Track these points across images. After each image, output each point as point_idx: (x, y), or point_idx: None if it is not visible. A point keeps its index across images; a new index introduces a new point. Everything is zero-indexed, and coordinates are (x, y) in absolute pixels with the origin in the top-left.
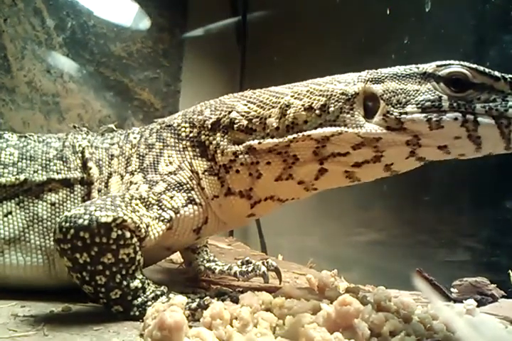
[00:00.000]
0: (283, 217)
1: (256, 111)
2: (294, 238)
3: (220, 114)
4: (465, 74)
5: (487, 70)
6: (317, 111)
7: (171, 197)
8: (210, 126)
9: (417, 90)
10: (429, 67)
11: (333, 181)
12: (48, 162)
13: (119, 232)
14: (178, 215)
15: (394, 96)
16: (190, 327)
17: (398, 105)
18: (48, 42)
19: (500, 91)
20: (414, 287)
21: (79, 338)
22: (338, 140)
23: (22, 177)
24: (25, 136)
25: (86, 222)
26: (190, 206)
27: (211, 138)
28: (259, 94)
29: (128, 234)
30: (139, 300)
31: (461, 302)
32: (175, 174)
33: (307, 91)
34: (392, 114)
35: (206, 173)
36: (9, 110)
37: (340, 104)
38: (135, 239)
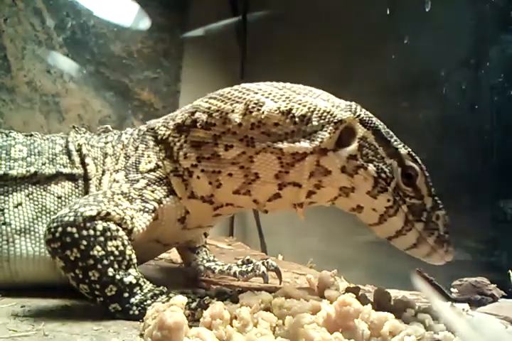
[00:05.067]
0: (283, 217)
1: (216, 105)
2: (294, 238)
3: (184, 116)
4: (417, 176)
5: (430, 184)
6: (296, 119)
7: (153, 191)
8: (176, 128)
9: (383, 158)
10: (404, 148)
11: (282, 206)
12: (54, 156)
13: (105, 224)
14: (162, 205)
15: (366, 147)
16: (190, 327)
17: (365, 157)
18: (48, 42)
19: (424, 203)
20: (414, 287)
21: (79, 338)
22: (301, 166)
23: (32, 169)
24: (31, 135)
25: (72, 218)
26: (171, 197)
27: (176, 139)
28: (225, 91)
29: (114, 227)
30: (137, 298)
31: (461, 302)
32: (154, 171)
33: (282, 95)
34: (357, 160)
35: (171, 174)
36: (9, 110)
37: (324, 122)
38: (122, 232)
